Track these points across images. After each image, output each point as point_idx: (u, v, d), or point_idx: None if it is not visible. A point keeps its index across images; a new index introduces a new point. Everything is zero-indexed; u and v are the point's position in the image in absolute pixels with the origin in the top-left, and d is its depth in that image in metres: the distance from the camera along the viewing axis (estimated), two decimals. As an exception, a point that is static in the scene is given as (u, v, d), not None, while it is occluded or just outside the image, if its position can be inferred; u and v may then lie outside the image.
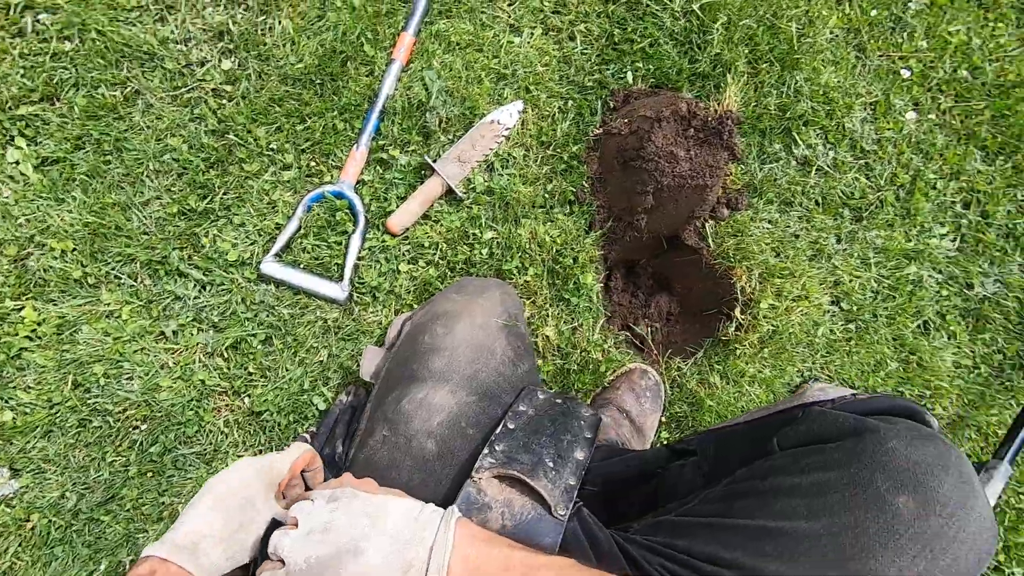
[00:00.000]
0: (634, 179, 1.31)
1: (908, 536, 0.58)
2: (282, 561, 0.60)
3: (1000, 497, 1.20)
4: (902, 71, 1.55)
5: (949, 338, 1.50)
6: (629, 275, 1.61)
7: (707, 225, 1.44)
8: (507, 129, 1.41)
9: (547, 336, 1.35)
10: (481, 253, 1.33)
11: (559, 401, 0.86)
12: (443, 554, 0.57)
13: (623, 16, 1.45)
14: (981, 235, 1.52)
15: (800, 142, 1.47)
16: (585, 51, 1.46)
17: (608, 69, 1.45)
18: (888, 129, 1.52)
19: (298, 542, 0.60)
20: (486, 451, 0.75)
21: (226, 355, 1.28)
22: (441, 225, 1.35)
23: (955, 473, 0.60)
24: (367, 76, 1.38)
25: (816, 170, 1.47)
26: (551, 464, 0.73)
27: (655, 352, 1.46)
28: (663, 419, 1.37)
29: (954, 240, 1.53)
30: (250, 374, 1.28)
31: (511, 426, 0.79)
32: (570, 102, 1.43)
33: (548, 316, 1.36)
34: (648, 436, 1.29)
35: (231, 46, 1.35)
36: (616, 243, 1.46)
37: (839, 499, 0.61)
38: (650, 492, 0.97)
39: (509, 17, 1.45)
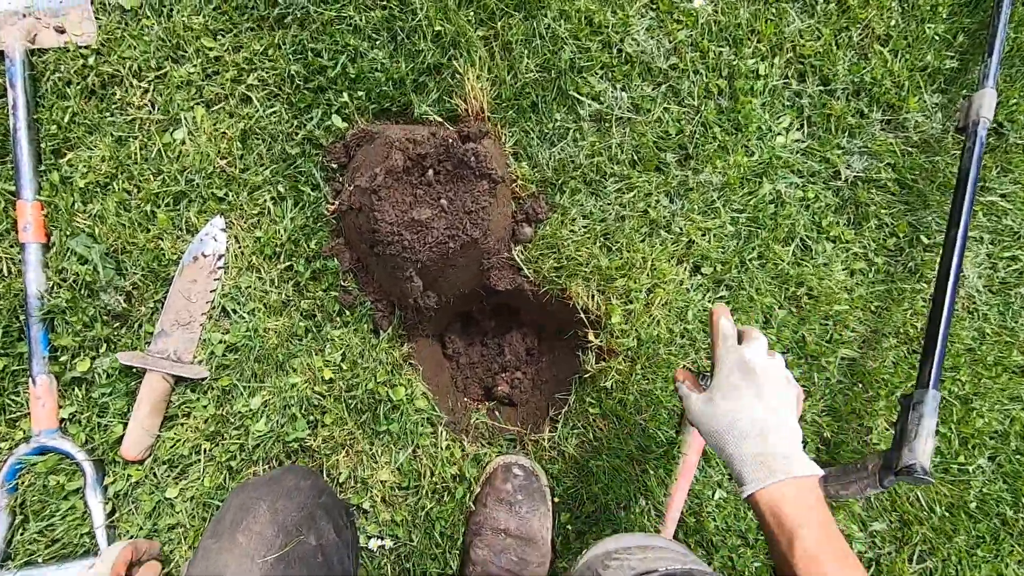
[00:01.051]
0: (389, 265, 1.00)
1: None
2: None
3: (936, 431, 1.02)
4: (667, -49, 1.20)
5: (834, 245, 1.26)
6: (466, 328, 1.33)
7: (515, 253, 1.14)
8: (219, 259, 1.06)
9: (383, 482, 1.08)
10: (258, 427, 1.04)
11: None
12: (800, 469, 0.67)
13: (300, 41, 1.07)
14: (828, 108, 1.24)
15: (583, 97, 1.15)
16: (270, 110, 1.08)
17: (308, 119, 1.08)
18: (680, 29, 1.20)
19: None
20: None
21: None
22: (193, 419, 1.04)
23: None
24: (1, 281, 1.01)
25: (616, 122, 1.16)
26: None
27: (519, 428, 1.21)
28: (555, 502, 1.15)
29: (800, 128, 1.26)
30: None
31: None
32: (280, 186, 1.08)
33: (375, 459, 1.08)
34: (542, 540, 1.07)
35: None
36: (419, 326, 1.16)
37: None
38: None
39: (151, 113, 1.06)
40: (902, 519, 1.24)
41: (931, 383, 1.04)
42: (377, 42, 1.08)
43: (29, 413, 0.99)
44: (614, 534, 0.73)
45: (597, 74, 1.16)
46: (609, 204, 1.16)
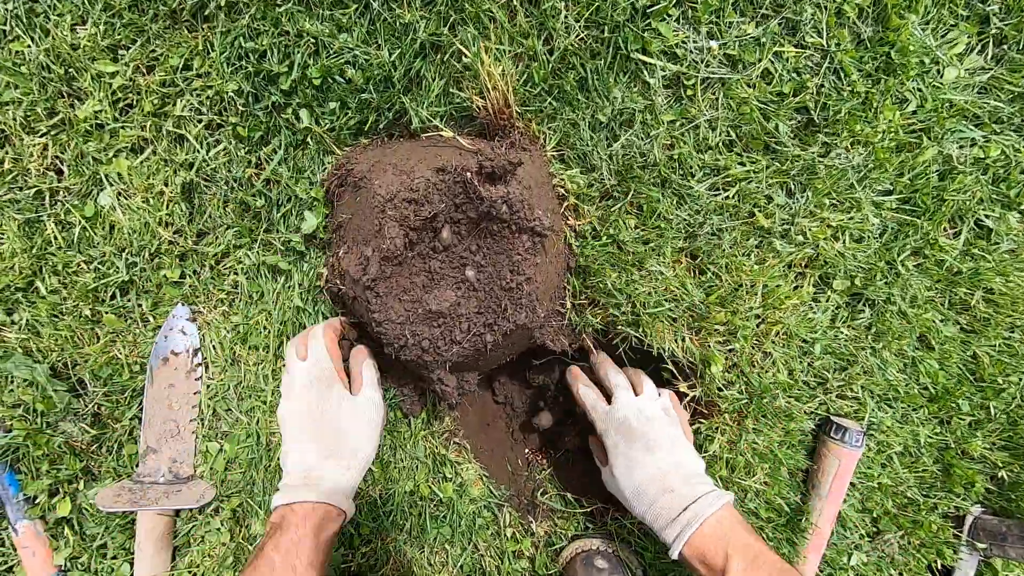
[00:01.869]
0: (414, 366, 0.73)
1: None
2: None
3: None
4: None
5: (1023, 219, 0.89)
6: (514, 375, 1.07)
7: (567, 301, 0.85)
8: (195, 354, 0.83)
9: (442, 589, 0.90)
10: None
11: None
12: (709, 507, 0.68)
13: (233, 41, 0.73)
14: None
15: (652, 58, 0.77)
16: (214, 149, 0.78)
17: (269, 154, 0.77)
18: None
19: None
20: None
21: None
22: (207, 543, 0.86)
23: None
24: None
25: (703, 87, 0.79)
26: None
27: (596, 499, 0.98)
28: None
29: (982, 50, 0.84)
30: None
31: None
32: (250, 253, 0.80)
33: (430, 564, 0.90)
34: (641, 643, 0.88)
35: None
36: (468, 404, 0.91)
37: None
38: None
39: (60, 178, 0.78)
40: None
41: None
42: (343, 21, 0.73)
43: (20, 561, 0.84)
44: None
45: (671, 16, 0.77)
46: (695, 210, 0.83)
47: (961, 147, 0.85)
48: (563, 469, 1.04)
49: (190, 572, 0.86)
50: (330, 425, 0.69)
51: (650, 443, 0.75)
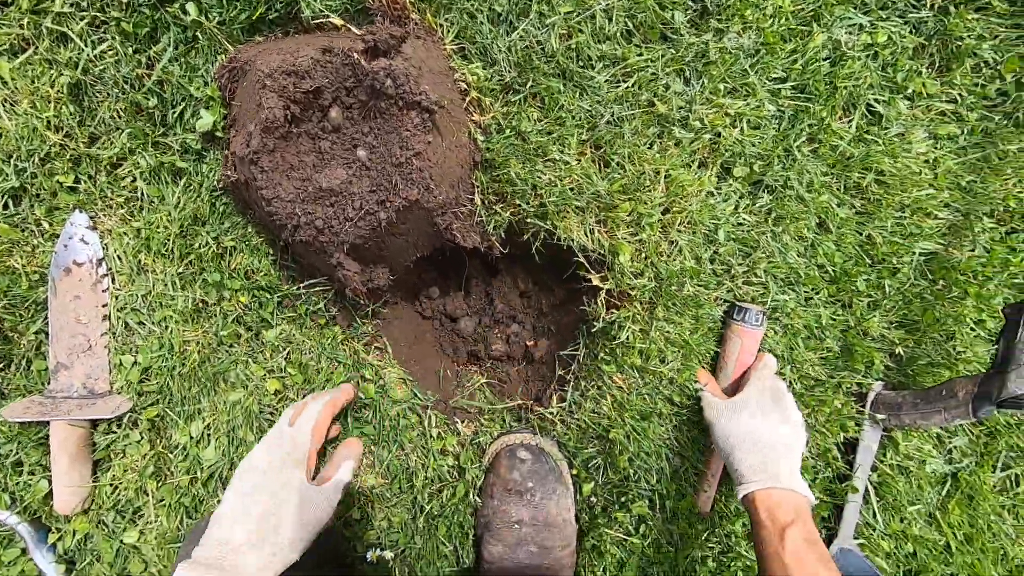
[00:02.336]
0: (308, 249, 0.74)
1: None
2: None
3: None
4: None
5: (911, 105, 0.93)
6: (444, 278, 1.08)
7: (476, 197, 0.86)
8: (99, 264, 0.81)
9: (371, 488, 0.92)
10: (207, 456, 0.86)
11: None
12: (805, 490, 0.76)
13: None
14: None
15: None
16: (99, 47, 0.76)
17: (158, 52, 0.76)
18: None
19: None
20: None
21: None
22: (128, 456, 0.86)
23: None
24: None
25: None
26: None
27: (520, 399, 1.01)
28: (574, 475, 0.97)
29: (867, -65, 0.86)
30: None
31: None
32: (146, 155, 0.79)
33: (368, 464, 0.91)
34: (563, 521, 0.91)
35: None
36: (384, 296, 0.92)
37: None
38: None
39: (-64, 76, 0.75)
40: (990, 431, 1.05)
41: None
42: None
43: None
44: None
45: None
46: (600, 103, 0.84)
47: (849, 33, 0.88)
48: (492, 374, 1.07)
49: (111, 486, 0.86)
50: (273, 511, 0.66)
51: (789, 417, 0.82)
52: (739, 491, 0.76)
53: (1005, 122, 0.94)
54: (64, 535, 0.87)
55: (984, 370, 0.92)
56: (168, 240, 0.80)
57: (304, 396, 0.86)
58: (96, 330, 0.84)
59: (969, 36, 0.90)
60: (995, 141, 0.94)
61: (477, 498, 0.94)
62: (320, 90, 0.65)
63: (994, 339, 0.97)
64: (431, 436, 0.95)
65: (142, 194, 0.80)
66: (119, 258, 0.82)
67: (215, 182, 0.80)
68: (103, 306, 0.83)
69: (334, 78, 0.66)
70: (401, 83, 0.65)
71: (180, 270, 0.82)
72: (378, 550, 0.92)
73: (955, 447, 1.05)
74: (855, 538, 1.02)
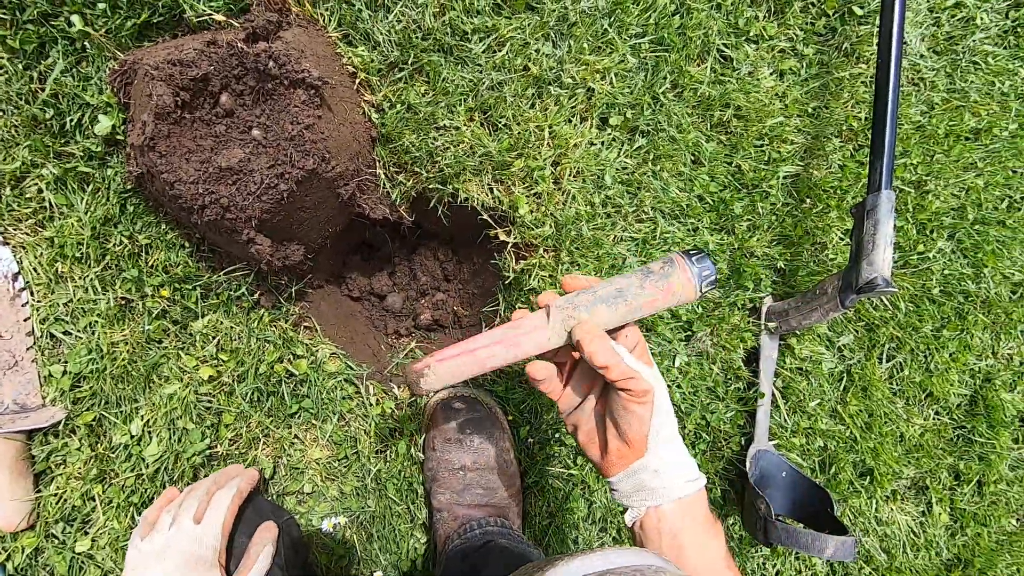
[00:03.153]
0: (220, 231, 0.78)
1: None
2: None
3: (895, 230, 0.91)
4: None
5: (756, 47, 1.05)
6: (367, 258, 1.14)
7: (379, 169, 0.92)
8: (15, 279, 0.83)
9: (316, 460, 0.96)
10: (151, 451, 0.89)
11: None
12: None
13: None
14: None
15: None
16: (-12, 65, 0.78)
17: (48, 66, 0.79)
18: None
19: None
20: None
21: None
22: (69, 465, 0.88)
23: None
24: None
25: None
26: None
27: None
28: (510, 420, 1.05)
29: (693, -97, 0.98)
30: None
31: None
32: (50, 166, 0.82)
33: (300, 440, 0.95)
34: (505, 463, 0.98)
35: None
36: (307, 278, 0.97)
37: None
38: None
39: None
40: (869, 326, 1.18)
41: (883, 183, 0.91)
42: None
43: None
44: (593, 550, 0.57)
45: None
46: (480, 71, 0.92)
47: (691, -12, 1.00)
48: (427, 343, 1.13)
49: (56, 496, 0.88)
50: None
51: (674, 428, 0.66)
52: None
53: (835, 53, 1.08)
54: (12, 553, 0.87)
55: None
56: (82, 244, 0.83)
57: (202, 477, 0.83)
58: (20, 344, 0.85)
59: (793, -19, 1.03)
60: (830, 70, 1.08)
61: (420, 453, 1.00)
62: (208, 77, 0.70)
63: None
64: (370, 404, 1.00)
65: (50, 204, 0.83)
66: (35, 270, 0.84)
67: (121, 184, 0.83)
68: (24, 320, 0.85)
69: (220, 67, 0.71)
70: (283, 62, 0.71)
71: (98, 271, 0.85)
72: (333, 518, 0.96)
73: (844, 345, 1.18)
74: (770, 439, 1.13)
